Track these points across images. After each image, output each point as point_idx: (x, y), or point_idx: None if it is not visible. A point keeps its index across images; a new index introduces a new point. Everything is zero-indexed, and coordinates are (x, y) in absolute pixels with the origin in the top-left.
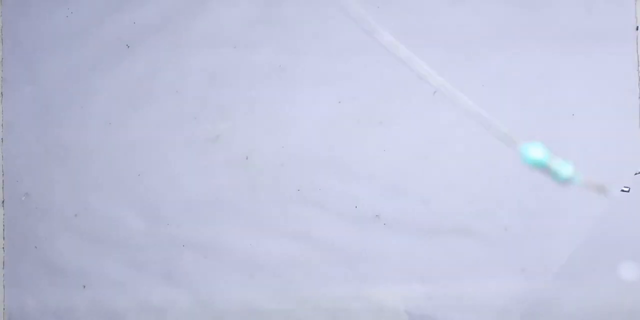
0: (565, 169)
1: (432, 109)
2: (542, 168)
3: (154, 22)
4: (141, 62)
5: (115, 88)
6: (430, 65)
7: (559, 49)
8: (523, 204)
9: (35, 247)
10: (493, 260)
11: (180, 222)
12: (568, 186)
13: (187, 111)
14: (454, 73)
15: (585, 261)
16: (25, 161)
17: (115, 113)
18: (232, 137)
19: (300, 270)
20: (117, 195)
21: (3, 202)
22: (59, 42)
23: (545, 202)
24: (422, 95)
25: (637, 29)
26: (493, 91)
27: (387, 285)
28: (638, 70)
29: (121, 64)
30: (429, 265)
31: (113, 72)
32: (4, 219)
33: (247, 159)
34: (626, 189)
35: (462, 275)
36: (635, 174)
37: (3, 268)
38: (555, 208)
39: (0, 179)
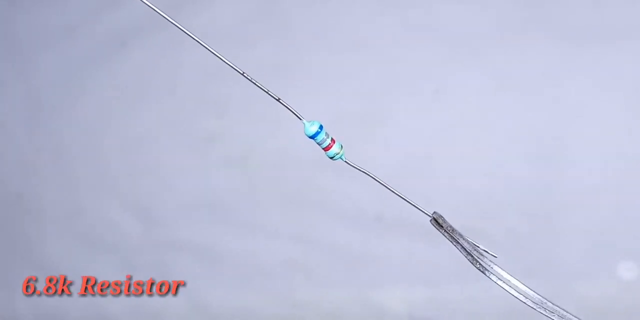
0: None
1: (435, 108)
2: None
3: (150, 19)
4: (136, 59)
5: (110, 86)
6: (434, 62)
7: (565, 46)
8: (527, 204)
9: (27, 248)
10: (497, 262)
11: (176, 224)
12: None
13: (183, 110)
14: (458, 69)
15: (587, 261)
16: (17, 161)
17: (109, 112)
18: (229, 136)
19: (299, 273)
20: (110, 197)
21: None
22: (53, 40)
23: (549, 203)
24: (424, 94)
25: None
26: (498, 88)
27: (388, 288)
28: None
29: (116, 61)
30: (431, 268)
31: (107, 70)
32: None
33: (245, 159)
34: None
35: (465, 278)
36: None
37: None
38: (559, 208)
39: None
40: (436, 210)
